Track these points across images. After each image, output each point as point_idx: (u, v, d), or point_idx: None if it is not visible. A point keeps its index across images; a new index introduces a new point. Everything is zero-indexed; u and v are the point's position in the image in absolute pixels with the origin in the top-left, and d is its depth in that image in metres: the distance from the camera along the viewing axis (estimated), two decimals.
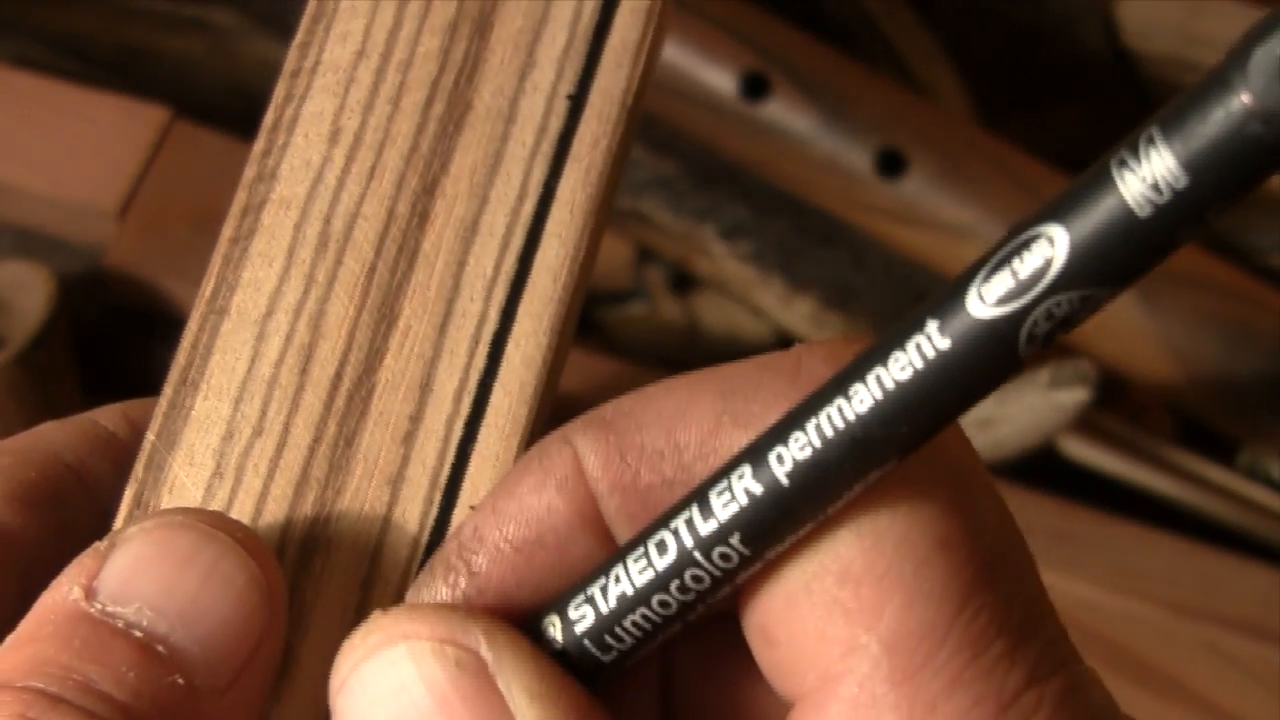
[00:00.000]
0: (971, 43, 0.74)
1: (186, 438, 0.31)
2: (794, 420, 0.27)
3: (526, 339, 0.32)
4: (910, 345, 0.25)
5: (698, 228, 0.69)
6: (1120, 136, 0.23)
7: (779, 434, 0.27)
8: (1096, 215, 0.23)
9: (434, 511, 0.31)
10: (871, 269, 0.68)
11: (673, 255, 0.71)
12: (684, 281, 0.72)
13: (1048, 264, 0.24)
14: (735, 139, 0.68)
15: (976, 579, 0.27)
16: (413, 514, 0.31)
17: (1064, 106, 0.74)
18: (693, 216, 0.69)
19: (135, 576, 0.28)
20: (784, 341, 0.70)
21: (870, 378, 0.26)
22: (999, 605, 0.27)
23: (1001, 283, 0.24)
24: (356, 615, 0.30)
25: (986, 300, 0.24)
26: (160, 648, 0.28)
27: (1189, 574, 0.64)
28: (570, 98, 0.33)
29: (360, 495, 0.31)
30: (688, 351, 0.71)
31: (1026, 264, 0.24)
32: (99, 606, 0.28)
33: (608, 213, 0.33)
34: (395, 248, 0.32)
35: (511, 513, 0.29)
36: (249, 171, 0.33)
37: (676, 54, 0.67)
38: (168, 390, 0.31)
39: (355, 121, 0.33)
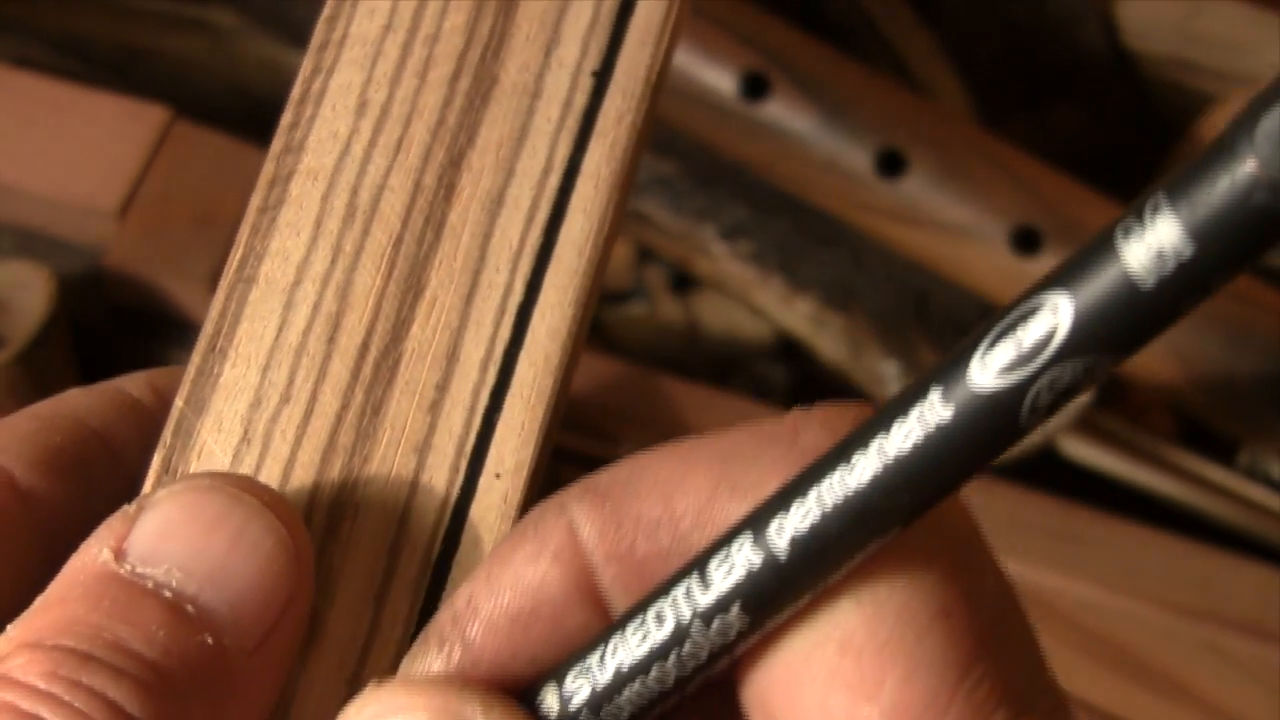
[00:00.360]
0: (971, 43, 0.74)
1: (214, 404, 0.31)
2: (794, 489, 0.26)
3: (552, 311, 0.32)
4: (913, 414, 0.25)
5: (698, 228, 0.69)
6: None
7: (779, 503, 0.26)
8: (1101, 284, 0.23)
9: (460, 479, 0.31)
10: (871, 269, 0.67)
11: (673, 255, 0.71)
12: (684, 281, 0.72)
13: (1052, 333, 0.23)
14: (735, 139, 0.68)
15: (978, 648, 0.27)
16: (439, 481, 0.31)
17: (1064, 106, 0.74)
18: (693, 216, 0.69)
19: (164, 538, 0.28)
20: (784, 341, 0.70)
21: (872, 447, 0.25)
22: (1001, 674, 0.27)
23: (1005, 352, 0.24)
24: (384, 580, 0.30)
25: (990, 369, 0.24)
26: (189, 608, 0.28)
27: (1189, 574, 0.64)
28: (595, 74, 0.34)
29: (387, 463, 0.31)
30: (688, 351, 0.71)
31: (1030, 333, 0.24)
32: (129, 567, 0.28)
33: (630, 189, 0.34)
34: (422, 219, 0.32)
35: (506, 582, 0.29)
36: (276, 143, 0.33)
37: (677, 53, 0.67)
38: (195, 357, 0.32)
39: (382, 94, 0.33)
